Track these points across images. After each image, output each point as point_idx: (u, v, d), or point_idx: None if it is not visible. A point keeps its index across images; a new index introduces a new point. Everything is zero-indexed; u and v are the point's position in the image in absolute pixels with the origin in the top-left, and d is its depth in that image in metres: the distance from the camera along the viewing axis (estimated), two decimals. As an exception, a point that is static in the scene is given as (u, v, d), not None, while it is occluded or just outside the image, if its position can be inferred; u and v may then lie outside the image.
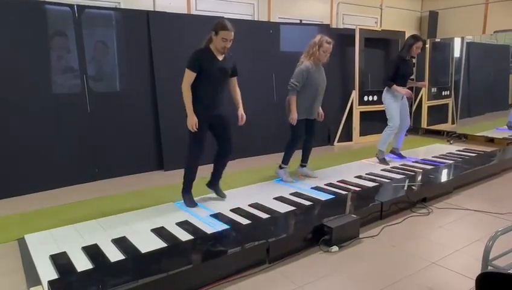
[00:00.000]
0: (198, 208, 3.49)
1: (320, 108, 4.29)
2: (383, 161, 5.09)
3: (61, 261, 2.53)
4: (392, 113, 4.97)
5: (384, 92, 5.03)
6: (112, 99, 4.67)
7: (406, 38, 5.00)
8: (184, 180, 3.56)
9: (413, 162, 5.14)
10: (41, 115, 4.18)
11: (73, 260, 2.54)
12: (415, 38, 4.85)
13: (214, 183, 3.71)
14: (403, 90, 4.90)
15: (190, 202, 3.54)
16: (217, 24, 3.21)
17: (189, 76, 3.24)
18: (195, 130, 3.26)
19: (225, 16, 5.41)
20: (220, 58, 3.31)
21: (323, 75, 4.19)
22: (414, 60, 5.10)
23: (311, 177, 4.42)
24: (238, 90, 3.56)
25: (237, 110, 3.51)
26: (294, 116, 4.05)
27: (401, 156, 5.33)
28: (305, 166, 4.49)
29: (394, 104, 4.95)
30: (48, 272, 2.39)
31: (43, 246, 2.76)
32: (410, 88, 6.18)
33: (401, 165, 4.98)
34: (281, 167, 4.36)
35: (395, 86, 4.84)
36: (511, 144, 6.28)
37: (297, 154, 4.47)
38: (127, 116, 4.75)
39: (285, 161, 4.34)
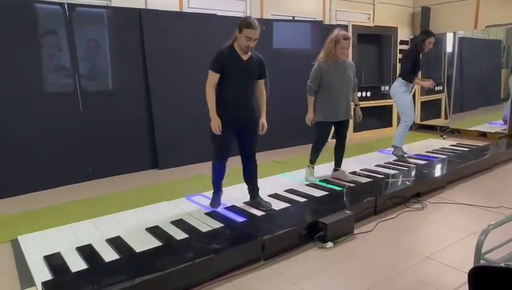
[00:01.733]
0: (195, 205, 3.48)
1: (358, 109, 4.11)
2: (401, 157, 4.97)
3: (55, 261, 2.52)
4: (404, 107, 4.92)
5: (394, 86, 4.97)
6: (104, 98, 4.64)
7: (418, 34, 4.95)
8: (212, 181, 3.46)
9: (407, 157, 5.15)
10: (33, 114, 4.14)
11: (68, 260, 2.53)
12: (426, 33, 4.82)
13: (252, 197, 3.50)
14: (425, 83, 4.88)
15: (213, 202, 3.46)
16: (242, 21, 3.04)
17: (212, 77, 3.10)
18: (219, 132, 3.11)
19: (217, 13, 5.40)
20: (245, 57, 3.13)
21: (345, 72, 3.91)
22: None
23: (344, 181, 4.14)
24: (264, 95, 3.32)
25: (259, 116, 3.31)
26: (309, 116, 3.93)
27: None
28: (337, 170, 4.29)
29: (406, 97, 4.89)
30: (41, 273, 2.38)
31: (36, 247, 2.74)
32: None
33: (395, 160, 4.99)
34: (308, 165, 4.26)
35: (417, 80, 4.80)
36: (503, 138, 6.33)
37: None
38: (121, 115, 4.72)
39: (310, 160, 4.22)
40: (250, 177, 3.45)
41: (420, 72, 7.31)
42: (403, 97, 4.89)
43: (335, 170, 4.32)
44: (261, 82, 3.31)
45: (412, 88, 5.03)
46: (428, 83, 4.99)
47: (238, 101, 3.17)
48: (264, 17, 6.35)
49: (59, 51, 4.33)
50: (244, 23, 3.02)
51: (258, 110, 3.33)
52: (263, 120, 3.31)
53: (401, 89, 4.87)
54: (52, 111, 4.25)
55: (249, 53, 3.16)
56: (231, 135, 3.23)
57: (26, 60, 4.09)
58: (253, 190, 3.48)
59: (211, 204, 3.46)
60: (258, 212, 3.28)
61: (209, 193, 3.75)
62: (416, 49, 4.87)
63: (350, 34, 6.45)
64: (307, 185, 4.05)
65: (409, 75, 4.81)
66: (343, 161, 4.33)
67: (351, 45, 3.81)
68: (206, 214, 3.28)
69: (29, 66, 4.11)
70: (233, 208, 3.40)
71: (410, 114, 4.92)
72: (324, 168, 4.56)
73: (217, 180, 3.44)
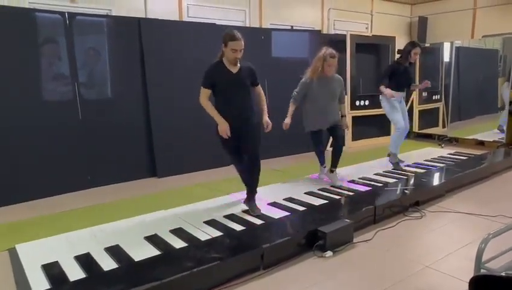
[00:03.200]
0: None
1: (345, 120, 4.42)
2: (396, 165, 5.02)
3: (53, 271, 2.50)
4: (393, 116, 4.98)
5: (380, 96, 5.04)
6: (103, 106, 4.65)
7: (405, 45, 5.02)
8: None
9: (405, 166, 5.16)
10: (32, 122, 4.14)
11: (66, 269, 2.51)
12: (412, 44, 4.91)
13: (247, 199, 3.55)
14: (389, 93, 4.84)
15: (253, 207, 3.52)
16: (225, 35, 3.13)
17: (203, 93, 3.27)
18: (229, 135, 3.21)
19: (217, 23, 5.44)
20: (234, 70, 3.24)
21: (331, 87, 4.21)
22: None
23: (333, 185, 4.31)
24: (262, 98, 3.49)
25: (262, 118, 3.46)
26: (286, 121, 4.15)
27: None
28: (332, 171, 4.40)
29: (393, 106, 4.95)
30: (39, 283, 2.36)
31: (34, 256, 2.72)
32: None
33: (394, 169, 5.00)
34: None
35: (382, 88, 4.83)
36: (501, 147, 6.35)
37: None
38: (119, 123, 4.72)
39: (320, 162, 4.57)
40: (251, 180, 3.52)
41: (418, 80, 7.44)
42: (390, 107, 4.97)
43: (330, 171, 4.42)
44: (258, 87, 3.46)
45: (402, 97, 5.07)
46: (389, 93, 4.86)
47: (235, 112, 3.27)
48: (263, 27, 6.40)
49: (59, 59, 4.35)
50: (228, 36, 3.12)
51: (257, 115, 3.44)
52: (266, 119, 3.46)
53: (385, 99, 4.96)
54: (51, 119, 4.25)
55: (238, 64, 3.25)
56: (235, 141, 3.34)
57: (26, 68, 4.10)
58: (251, 192, 3.53)
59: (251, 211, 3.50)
60: (257, 221, 3.27)
61: (208, 201, 3.76)
62: (395, 61, 4.97)
63: (348, 43, 6.52)
64: (305, 193, 4.04)
65: (378, 85, 4.92)
66: (342, 169, 4.36)
67: (336, 62, 4.15)
68: (205, 222, 3.27)
69: (29, 74, 4.12)
70: (231, 217, 3.39)
71: (399, 120, 4.96)
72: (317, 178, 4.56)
73: (245, 183, 3.61)
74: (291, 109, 4.21)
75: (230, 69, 3.23)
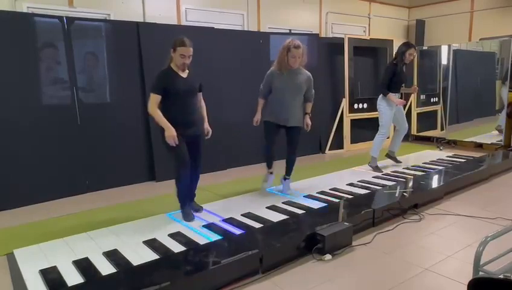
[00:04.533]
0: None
1: (307, 118, 4.01)
2: (376, 168, 5.09)
3: (51, 275, 2.49)
4: (385, 120, 5.02)
5: (379, 98, 5.07)
6: (102, 111, 4.65)
7: (399, 46, 5.05)
8: (178, 196, 3.46)
9: (404, 168, 5.17)
10: (31, 126, 4.14)
11: (64, 274, 2.50)
12: (406, 45, 4.93)
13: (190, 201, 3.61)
14: (397, 100, 4.94)
15: (187, 216, 3.43)
16: (175, 41, 3.19)
17: (154, 99, 3.19)
18: (176, 143, 3.17)
19: (215, 27, 5.45)
20: (184, 75, 3.28)
21: (295, 81, 3.87)
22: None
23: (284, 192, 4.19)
24: (203, 105, 3.54)
25: (203, 125, 3.50)
26: (255, 118, 4.05)
27: (396, 160, 5.35)
28: (286, 178, 4.23)
29: (389, 111, 4.99)
30: (38, 288, 2.35)
31: (32, 261, 2.71)
32: (407, 95, 6.29)
33: (393, 171, 5.01)
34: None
35: (390, 95, 4.89)
36: (499, 149, 6.37)
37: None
38: (118, 127, 4.72)
39: (267, 165, 4.25)
40: (195, 186, 3.63)
41: (416, 83, 7.46)
42: (386, 111, 5.00)
43: (284, 178, 4.24)
44: (200, 94, 3.49)
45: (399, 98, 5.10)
46: (398, 101, 5.00)
47: (184, 117, 3.28)
48: (261, 30, 6.43)
49: (57, 64, 4.35)
50: (178, 42, 3.18)
51: (202, 122, 3.49)
52: (207, 126, 3.53)
53: (384, 102, 4.98)
54: (49, 123, 4.25)
55: (187, 70, 3.30)
56: (184, 144, 3.31)
57: (25, 73, 4.10)
58: (192, 196, 3.65)
59: (185, 218, 3.42)
60: (256, 225, 3.27)
61: (207, 205, 3.76)
62: (393, 63, 5.00)
63: (346, 46, 6.54)
64: (304, 196, 4.04)
65: (383, 90, 4.94)
66: (341, 172, 4.33)
67: (303, 53, 3.80)
68: (204, 226, 3.27)
69: (27, 78, 4.12)
70: (230, 220, 3.39)
71: (388, 128, 5.04)
72: (318, 180, 4.56)
73: (183, 193, 3.46)
74: (259, 104, 4.05)
75: (180, 74, 3.26)
